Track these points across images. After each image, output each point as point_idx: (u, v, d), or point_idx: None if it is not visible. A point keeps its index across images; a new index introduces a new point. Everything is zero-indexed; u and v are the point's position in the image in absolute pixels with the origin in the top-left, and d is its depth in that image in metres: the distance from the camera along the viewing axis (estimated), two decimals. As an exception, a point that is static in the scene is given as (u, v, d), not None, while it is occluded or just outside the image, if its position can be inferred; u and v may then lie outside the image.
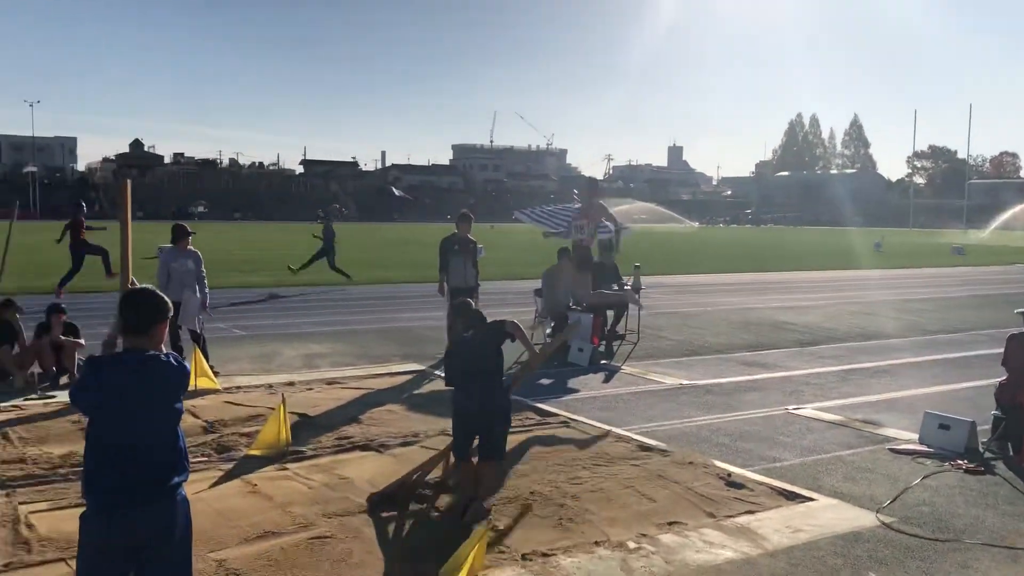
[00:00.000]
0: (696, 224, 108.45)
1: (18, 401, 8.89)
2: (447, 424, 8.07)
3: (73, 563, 4.86)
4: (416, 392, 9.82)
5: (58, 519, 5.58)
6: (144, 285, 3.59)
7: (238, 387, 9.61)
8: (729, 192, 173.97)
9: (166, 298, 3.54)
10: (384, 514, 5.79)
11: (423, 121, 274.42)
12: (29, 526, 5.44)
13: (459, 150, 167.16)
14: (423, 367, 11.22)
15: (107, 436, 3.35)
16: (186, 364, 3.53)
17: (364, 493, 6.19)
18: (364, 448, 7.38)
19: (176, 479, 3.41)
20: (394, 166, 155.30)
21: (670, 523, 5.76)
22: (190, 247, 10.55)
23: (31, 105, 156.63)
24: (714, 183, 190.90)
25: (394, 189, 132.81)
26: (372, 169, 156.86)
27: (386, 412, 8.69)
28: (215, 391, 9.27)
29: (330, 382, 10.12)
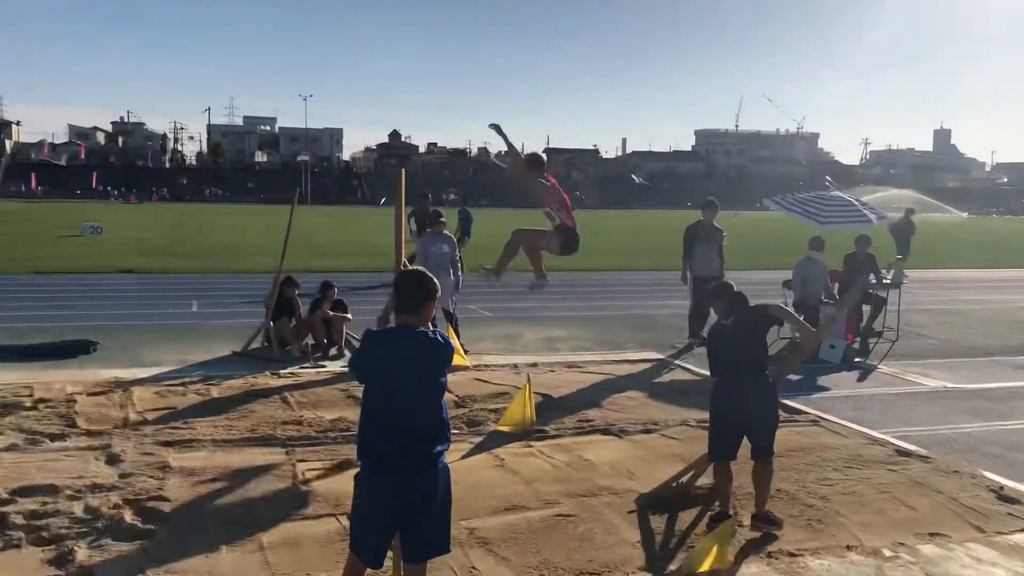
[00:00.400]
0: (964, 214, 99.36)
1: (294, 369, 9.82)
2: (687, 414, 8.03)
3: (343, 519, 5.34)
4: (655, 381, 9.79)
5: (330, 478, 6.11)
6: (416, 267, 3.84)
7: (486, 365, 10.05)
8: (1005, 179, 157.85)
9: (435, 279, 3.77)
10: (625, 498, 5.84)
11: (665, 107, 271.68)
12: (305, 482, 6.01)
13: (702, 135, 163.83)
14: (662, 356, 11.16)
15: (379, 404, 3.63)
16: (451, 342, 3.73)
17: (606, 476, 6.28)
18: (604, 432, 7.47)
19: (439, 447, 3.64)
20: (635, 153, 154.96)
21: (931, 534, 5.37)
22: (445, 232, 11.14)
23: (305, 99, 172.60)
24: (987, 169, 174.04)
25: (634, 176, 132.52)
26: (612, 156, 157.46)
27: (625, 398, 8.74)
28: (465, 368, 9.75)
29: (570, 365, 10.32)
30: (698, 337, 11.99)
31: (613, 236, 42.58)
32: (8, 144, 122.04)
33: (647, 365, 10.56)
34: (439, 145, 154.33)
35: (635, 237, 42.01)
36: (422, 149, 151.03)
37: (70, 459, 6.34)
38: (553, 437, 7.28)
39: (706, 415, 5.75)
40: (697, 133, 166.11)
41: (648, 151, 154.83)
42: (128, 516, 5.27)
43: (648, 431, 7.54)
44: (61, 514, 5.28)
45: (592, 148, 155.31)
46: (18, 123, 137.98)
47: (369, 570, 3.77)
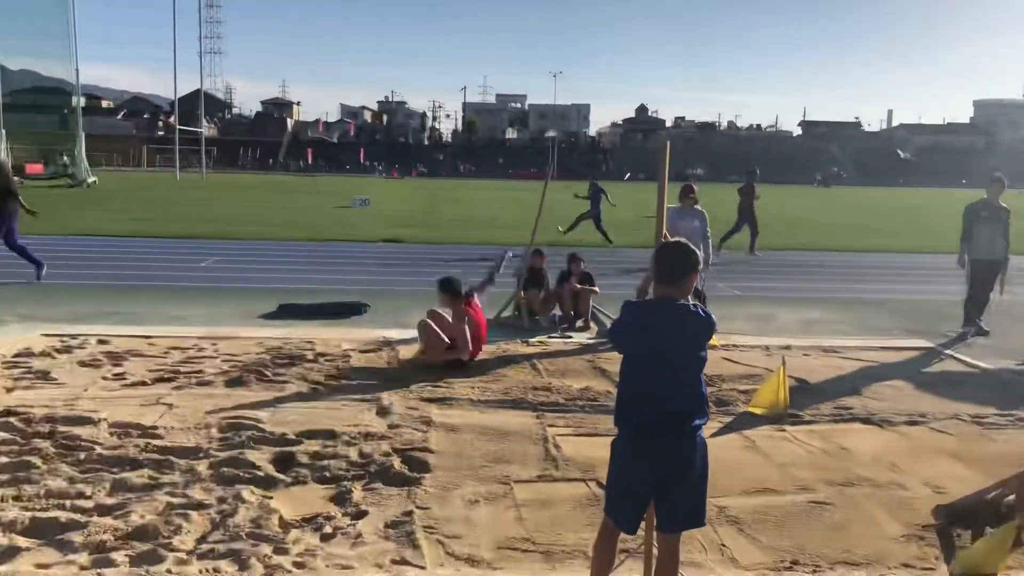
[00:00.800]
0: None
1: (543, 338, 10.12)
2: (960, 407, 7.44)
3: (592, 484, 5.47)
4: (923, 370, 9.10)
5: (579, 444, 6.27)
6: (677, 238, 3.82)
7: (735, 345, 9.82)
8: None
9: (697, 251, 3.72)
10: (887, 491, 5.51)
11: (937, 77, 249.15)
12: (556, 446, 6.21)
13: (982, 107, 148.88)
14: (932, 344, 10.35)
15: (638, 375, 3.67)
16: (713, 317, 3.69)
17: (865, 466, 5.96)
18: (865, 421, 7.07)
19: (697, 421, 3.62)
20: (902, 126, 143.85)
21: None
22: (696, 206, 10.96)
23: (554, 76, 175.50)
24: None
25: (900, 151, 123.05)
26: (876, 130, 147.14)
27: (889, 387, 8.22)
28: (713, 347, 9.58)
29: (827, 350, 9.84)
30: (975, 326, 11.00)
31: (876, 215, 39.92)
32: (289, 123, 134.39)
33: (914, 353, 9.84)
34: (686, 119, 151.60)
35: (900, 216, 39.06)
36: (669, 123, 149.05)
37: (346, 408, 6.96)
38: (808, 423, 7.00)
39: (983, 410, 5.29)
40: (976, 104, 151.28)
41: (917, 124, 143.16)
42: (396, 464, 5.71)
43: (914, 423, 7.05)
44: (339, 457, 5.82)
45: (853, 121, 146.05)
46: (298, 103, 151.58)
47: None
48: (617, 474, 3.72)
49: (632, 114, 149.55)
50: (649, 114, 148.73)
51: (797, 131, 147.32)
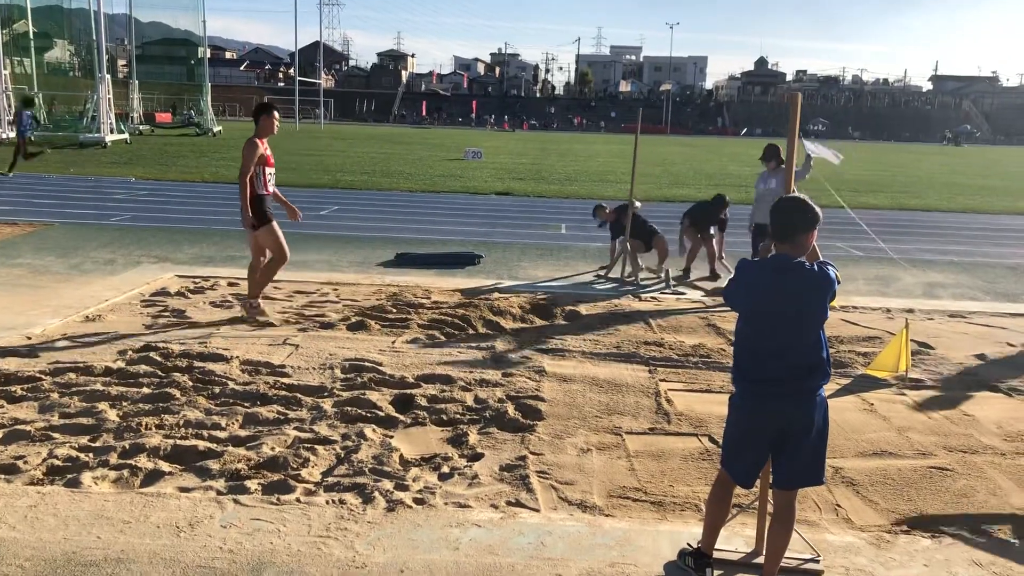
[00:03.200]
0: None
1: (655, 294, 10.08)
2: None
3: (704, 440, 5.49)
4: (1058, 338, 8.66)
5: (691, 399, 6.28)
6: (796, 194, 3.73)
7: (854, 307, 9.55)
8: None
9: (816, 208, 3.63)
10: (1013, 460, 5.33)
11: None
12: (668, 401, 6.23)
13: None
14: (1068, 312, 9.82)
15: (753, 333, 3.64)
16: (830, 272, 3.58)
17: (990, 434, 5.77)
18: (992, 389, 6.81)
19: (818, 381, 3.57)
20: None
21: None
22: (782, 167, 10.44)
23: (671, 27, 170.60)
24: None
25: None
26: (1016, 85, 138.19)
27: (1019, 355, 7.87)
28: (832, 308, 9.34)
29: (953, 314, 9.47)
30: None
31: (1008, 175, 37.73)
32: (403, 75, 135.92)
33: (1046, 321, 9.36)
34: (808, 72, 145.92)
35: (1037, 178, 36.79)
36: (789, 77, 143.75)
37: (462, 355, 7.15)
38: (930, 388, 6.79)
39: None
40: None
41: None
42: (511, 410, 5.85)
43: (1045, 393, 6.75)
44: (456, 401, 6.01)
45: (990, 75, 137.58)
46: (412, 55, 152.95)
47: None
48: (734, 429, 3.73)
49: (751, 67, 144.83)
50: (769, 67, 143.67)
51: (927, 86, 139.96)
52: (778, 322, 3.56)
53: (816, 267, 3.56)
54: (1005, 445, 5.60)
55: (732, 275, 3.75)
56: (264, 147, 8.02)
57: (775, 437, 3.61)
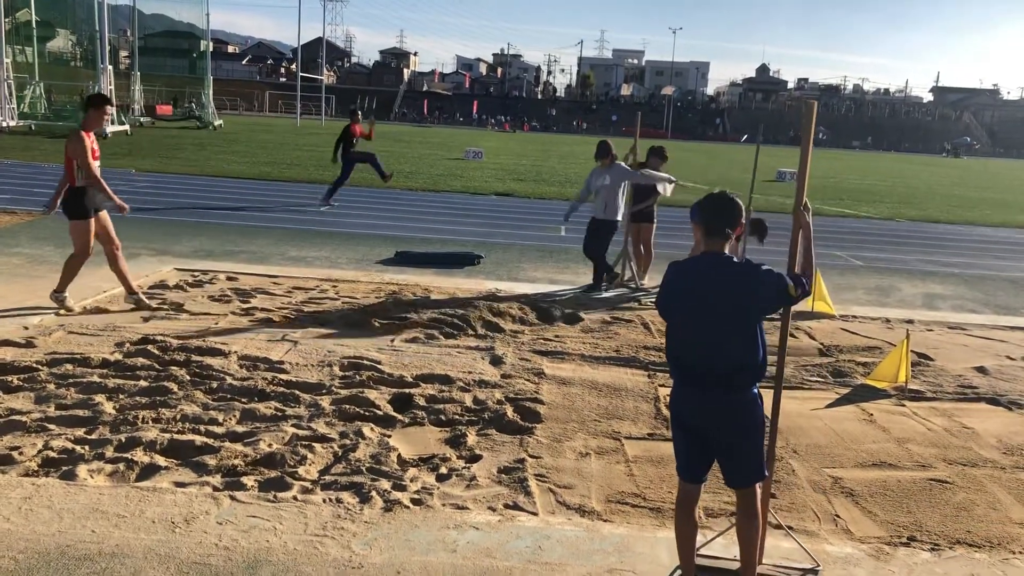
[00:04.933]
0: None
1: (654, 298, 10.06)
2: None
3: (704, 446, 5.46)
4: (1057, 353, 8.65)
5: (690, 405, 6.25)
6: (721, 189, 3.68)
7: (854, 316, 9.54)
8: None
9: (737, 201, 3.55)
10: (1012, 474, 5.32)
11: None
12: (667, 406, 6.19)
13: None
14: (1067, 327, 9.81)
15: (673, 330, 3.59)
16: (760, 268, 3.44)
17: (990, 447, 5.76)
18: (992, 402, 6.80)
19: (744, 380, 3.45)
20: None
21: None
22: (616, 162, 10.28)
23: (674, 32, 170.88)
24: None
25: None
26: (1016, 98, 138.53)
27: (1019, 368, 7.85)
28: (831, 316, 9.34)
29: (952, 326, 9.45)
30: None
31: (1009, 188, 37.78)
32: (405, 73, 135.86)
33: (1046, 335, 9.35)
34: (810, 80, 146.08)
35: (1036, 192, 36.81)
36: (791, 84, 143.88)
37: (461, 356, 7.12)
38: (930, 399, 6.78)
39: None
40: None
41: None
42: (509, 412, 5.83)
43: (1046, 407, 6.74)
44: (454, 402, 5.98)
45: (991, 88, 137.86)
46: (415, 54, 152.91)
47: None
48: (672, 423, 3.71)
49: (752, 74, 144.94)
50: (770, 74, 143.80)
51: (928, 97, 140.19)
52: (704, 319, 3.46)
53: (746, 262, 3.49)
54: (1005, 459, 5.59)
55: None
56: (91, 140, 7.95)
57: (700, 434, 3.57)
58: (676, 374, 3.61)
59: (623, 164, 10.38)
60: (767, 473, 3.70)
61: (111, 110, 8.08)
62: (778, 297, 3.50)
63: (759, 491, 3.68)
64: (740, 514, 3.66)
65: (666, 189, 10.53)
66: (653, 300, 9.88)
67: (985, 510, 4.80)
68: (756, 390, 3.54)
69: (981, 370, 7.67)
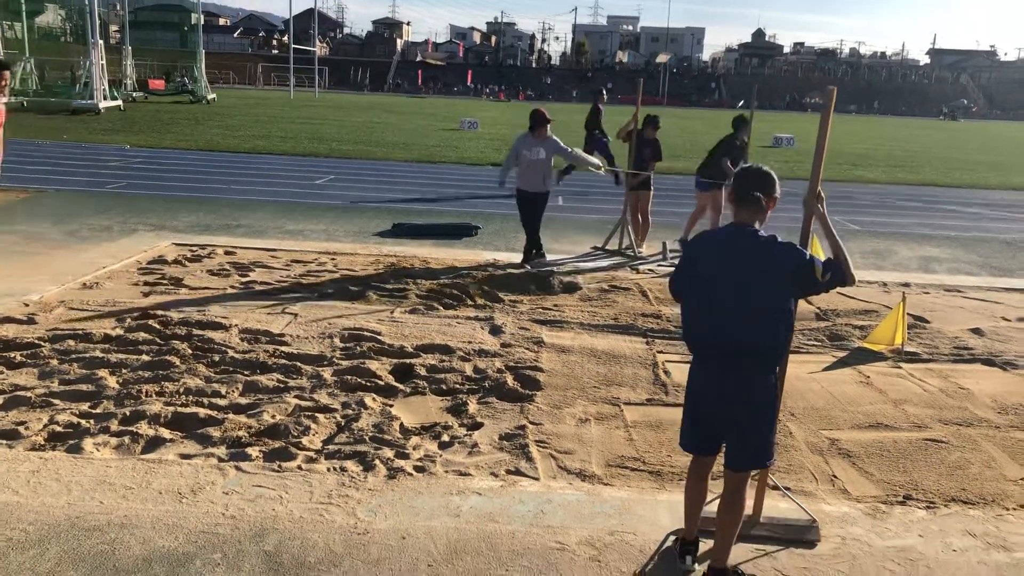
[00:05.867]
0: None
1: (652, 266, 10.10)
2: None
3: (702, 410, 5.51)
4: (1052, 313, 8.71)
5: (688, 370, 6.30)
6: (756, 164, 3.67)
7: (850, 280, 9.57)
8: None
9: (771, 174, 3.51)
10: (1007, 433, 5.39)
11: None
12: (666, 372, 6.26)
13: None
14: (1063, 287, 9.86)
15: (697, 304, 3.49)
16: (781, 241, 3.38)
17: (985, 407, 5.83)
18: (987, 363, 6.86)
19: (762, 365, 3.40)
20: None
21: None
22: (549, 135, 9.88)
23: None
24: None
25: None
26: (1014, 59, 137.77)
27: (1014, 329, 7.91)
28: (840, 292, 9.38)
29: (949, 288, 9.51)
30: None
31: (1005, 150, 37.70)
32: (399, 43, 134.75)
33: (1043, 297, 9.40)
34: (806, 45, 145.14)
35: (1033, 153, 36.74)
36: (787, 49, 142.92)
37: (460, 326, 7.16)
38: (926, 361, 6.84)
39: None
40: None
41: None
42: (510, 380, 5.88)
43: (1040, 367, 6.81)
44: (455, 371, 6.03)
45: (988, 49, 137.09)
46: (408, 23, 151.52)
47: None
48: (686, 393, 3.65)
49: (748, 39, 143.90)
50: (766, 39, 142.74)
51: (925, 60, 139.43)
52: (722, 293, 3.38)
53: (770, 236, 3.40)
54: (999, 418, 5.66)
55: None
56: None
57: (710, 413, 3.51)
58: (694, 352, 3.54)
59: (556, 137, 9.95)
60: (772, 459, 3.59)
61: (8, 76, 7.97)
62: (798, 274, 3.35)
63: (750, 480, 3.60)
64: (724, 499, 3.59)
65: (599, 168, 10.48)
66: (651, 267, 9.94)
67: (980, 468, 4.87)
68: (774, 373, 3.48)
69: (977, 331, 7.73)
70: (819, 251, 9.19)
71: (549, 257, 10.11)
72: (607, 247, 10.95)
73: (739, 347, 3.36)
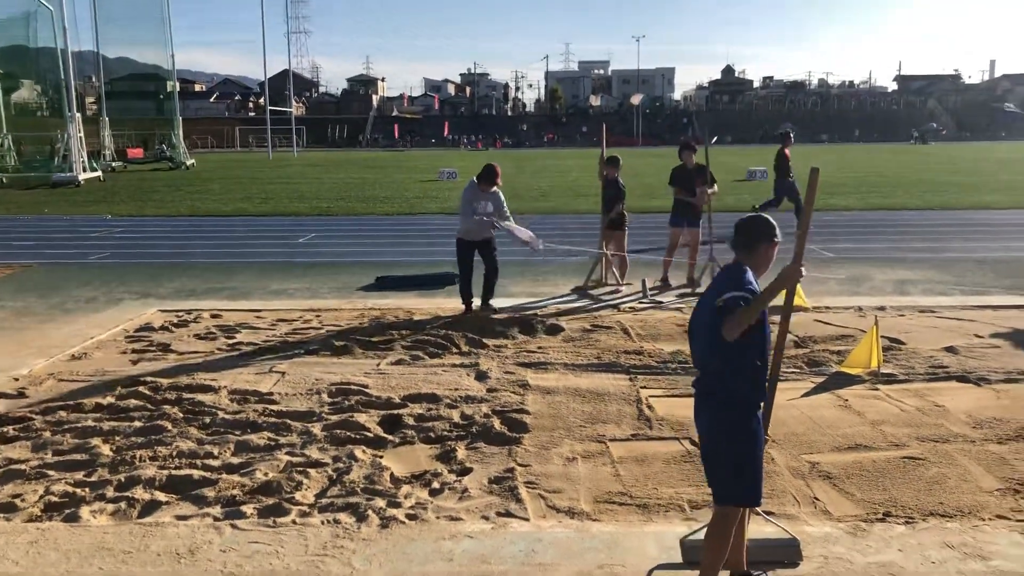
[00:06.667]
0: None
1: (632, 303, 10.28)
2: (1064, 364, 7.29)
3: (686, 443, 5.65)
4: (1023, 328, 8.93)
5: (671, 404, 6.45)
6: (757, 213, 3.90)
7: (827, 307, 9.78)
8: None
9: (772, 223, 3.70)
10: (982, 446, 5.54)
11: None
12: (649, 407, 6.40)
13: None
14: (1034, 302, 10.10)
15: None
16: (723, 273, 3.70)
17: (960, 423, 5.98)
18: (961, 380, 7.03)
19: (709, 389, 3.67)
20: (1005, 77, 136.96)
21: None
22: (495, 190, 9.88)
23: (637, 40, 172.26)
24: None
25: (1004, 105, 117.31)
26: (977, 82, 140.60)
27: (987, 346, 8.11)
28: (804, 309, 9.57)
29: (923, 310, 9.72)
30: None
31: (975, 171, 38.36)
32: (374, 99, 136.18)
33: (1014, 312, 9.62)
34: (775, 78, 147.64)
35: (1001, 172, 37.43)
36: (757, 84, 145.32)
37: (446, 374, 7.29)
38: (902, 382, 7.01)
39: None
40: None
41: (1022, 74, 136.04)
42: (497, 424, 6.00)
43: (1014, 380, 6.98)
44: (442, 419, 6.15)
45: (952, 73, 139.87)
46: (382, 79, 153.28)
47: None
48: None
49: (718, 75, 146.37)
50: (736, 75, 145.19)
51: (892, 86, 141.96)
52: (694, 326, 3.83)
53: (723, 268, 3.80)
54: (974, 432, 5.81)
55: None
56: None
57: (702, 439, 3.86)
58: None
59: (501, 195, 9.93)
60: (739, 501, 3.67)
61: None
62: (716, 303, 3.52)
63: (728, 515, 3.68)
64: (708, 526, 3.79)
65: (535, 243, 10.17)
66: (631, 305, 10.12)
67: (956, 482, 5.01)
68: (734, 401, 3.58)
69: (951, 350, 7.92)
70: (803, 300, 9.46)
71: (533, 299, 10.27)
72: (587, 286, 11.14)
73: (703, 376, 3.75)
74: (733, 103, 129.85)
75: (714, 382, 3.64)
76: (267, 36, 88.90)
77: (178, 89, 61.25)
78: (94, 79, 76.40)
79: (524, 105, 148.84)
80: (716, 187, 11.42)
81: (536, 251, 10.24)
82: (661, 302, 10.40)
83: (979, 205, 22.89)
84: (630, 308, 10.05)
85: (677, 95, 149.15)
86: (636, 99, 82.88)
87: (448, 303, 10.31)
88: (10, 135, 41.47)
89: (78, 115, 35.96)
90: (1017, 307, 9.83)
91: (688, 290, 11.00)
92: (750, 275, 3.59)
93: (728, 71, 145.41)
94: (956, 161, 49.18)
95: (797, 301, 9.67)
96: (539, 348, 8.14)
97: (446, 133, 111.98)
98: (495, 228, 9.80)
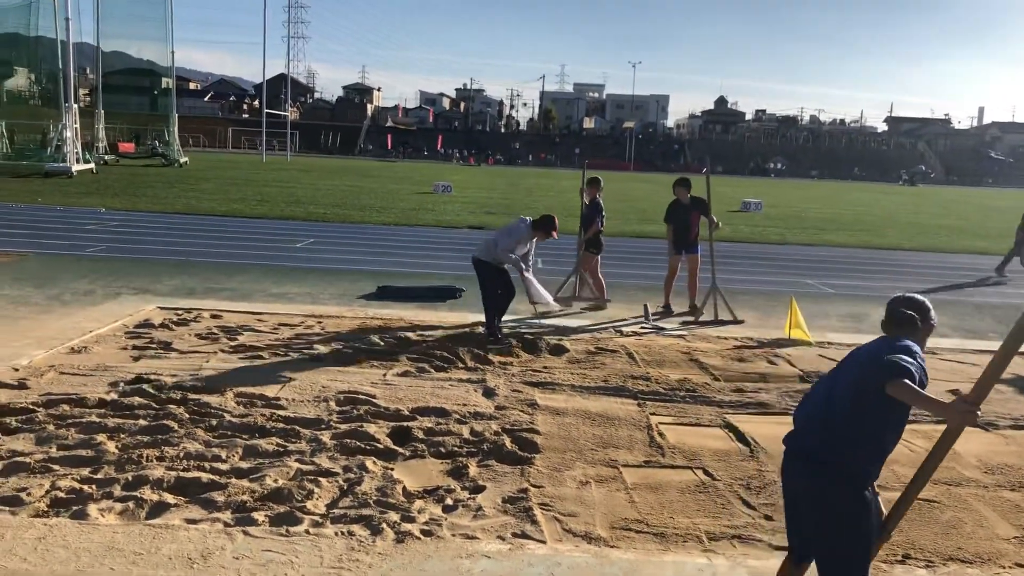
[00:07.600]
0: None
1: (635, 328, 10.26)
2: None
3: (699, 472, 5.61)
4: (1025, 375, 8.96)
5: (682, 433, 6.41)
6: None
7: (829, 343, 9.79)
8: None
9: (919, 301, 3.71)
10: (996, 492, 5.53)
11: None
12: (660, 434, 6.35)
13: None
14: (1033, 349, 10.14)
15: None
16: (902, 355, 3.52)
17: (972, 467, 5.98)
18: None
19: (821, 455, 3.48)
20: (994, 124, 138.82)
21: None
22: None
23: (633, 66, 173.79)
24: None
25: (991, 152, 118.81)
26: (967, 127, 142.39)
27: (993, 390, 8.10)
28: (807, 344, 9.58)
29: (925, 351, 9.73)
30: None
31: (966, 215, 38.75)
32: (369, 108, 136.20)
33: (1016, 358, 9.63)
34: (767, 112, 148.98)
35: (993, 217, 37.82)
36: (749, 116, 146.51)
37: (453, 388, 7.22)
38: (910, 422, 6.96)
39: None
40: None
41: (1012, 122, 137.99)
42: (508, 443, 5.94)
43: (1020, 427, 7.00)
44: (452, 434, 6.08)
45: (943, 118, 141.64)
46: (378, 89, 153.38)
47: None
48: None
49: (711, 106, 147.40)
50: (728, 106, 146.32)
51: (883, 127, 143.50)
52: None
53: (887, 343, 3.73)
54: (987, 478, 5.80)
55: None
56: None
57: (790, 497, 3.72)
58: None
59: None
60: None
61: None
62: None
63: None
64: None
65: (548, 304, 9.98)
66: (634, 330, 10.10)
67: (973, 527, 4.99)
68: (854, 473, 3.46)
69: (955, 393, 7.92)
70: (806, 334, 9.50)
71: (534, 318, 10.24)
72: (562, 296, 11.30)
73: (809, 437, 3.69)
74: (726, 133, 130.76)
75: (827, 451, 3.45)
76: (265, 39, 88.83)
77: (175, 86, 60.95)
78: (88, 71, 76.13)
79: (518, 123, 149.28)
80: (719, 222, 11.56)
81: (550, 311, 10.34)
82: (663, 328, 10.39)
83: (971, 249, 23.08)
84: (632, 332, 10.02)
85: (670, 123, 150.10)
86: (630, 124, 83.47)
87: (450, 316, 10.25)
88: (3, 122, 41.15)
89: (75, 106, 35.68)
90: (1019, 353, 9.84)
91: (691, 318, 10.98)
92: (921, 354, 3.49)
93: (721, 102, 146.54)
94: (946, 204, 49.71)
95: (800, 335, 9.74)
96: (545, 368, 8.09)
97: (439, 146, 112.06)
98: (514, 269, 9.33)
